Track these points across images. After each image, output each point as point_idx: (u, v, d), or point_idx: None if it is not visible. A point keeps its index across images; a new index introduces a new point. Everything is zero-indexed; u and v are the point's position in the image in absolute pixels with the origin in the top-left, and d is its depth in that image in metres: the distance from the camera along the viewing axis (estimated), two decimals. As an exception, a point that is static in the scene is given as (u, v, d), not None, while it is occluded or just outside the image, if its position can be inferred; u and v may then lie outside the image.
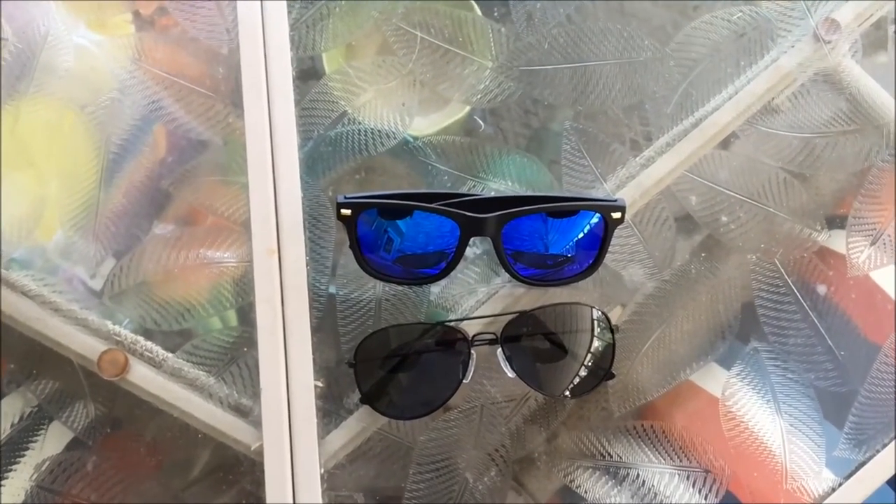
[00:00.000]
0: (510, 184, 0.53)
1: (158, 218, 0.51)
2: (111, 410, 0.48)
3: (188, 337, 0.48)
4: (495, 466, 0.47)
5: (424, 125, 0.54)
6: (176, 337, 0.49)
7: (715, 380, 0.49)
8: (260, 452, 0.45)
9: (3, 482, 0.46)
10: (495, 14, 0.56)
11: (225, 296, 0.49)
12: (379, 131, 0.52)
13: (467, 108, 0.55)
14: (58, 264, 0.50)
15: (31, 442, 0.47)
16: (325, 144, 0.52)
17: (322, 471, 0.45)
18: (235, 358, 0.48)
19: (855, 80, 0.54)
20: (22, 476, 0.46)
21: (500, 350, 0.45)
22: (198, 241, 0.50)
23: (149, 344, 0.48)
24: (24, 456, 0.47)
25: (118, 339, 0.47)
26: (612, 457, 0.48)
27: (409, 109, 0.53)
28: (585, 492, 0.47)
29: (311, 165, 0.51)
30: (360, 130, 0.52)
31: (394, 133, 0.53)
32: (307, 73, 0.54)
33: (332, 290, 0.49)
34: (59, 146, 0.51)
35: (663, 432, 0.48)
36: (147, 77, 0.52)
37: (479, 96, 0.54)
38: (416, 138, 0.53)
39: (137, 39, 0.54)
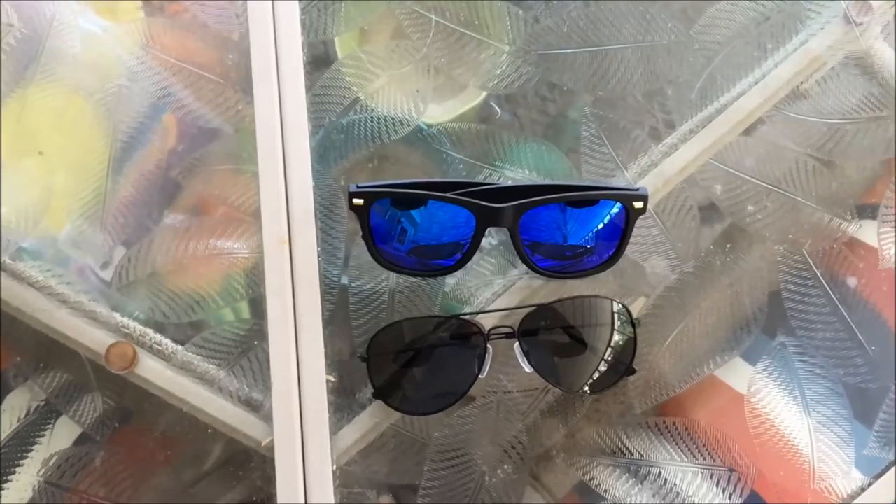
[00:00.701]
0: (527, 172, 0.51)
1: (169, 207, 0.50)
2: (119, 404, 0.47)
3: (199, 329, 0.48)
4: (512, 463, 0.46)
5: (439, 112, 0.53)
6: (188, 329, 0.48)
7: (740, 375, 0.48)
8: (271, 448, 0.44)
9: (10, 478, 0.45)
10: (512, -4, 0.54)
11: (236, 287, 0.48)
12: (392, 118, 0.51)
13: (483, 94, 0.53)
14: (69, 254, 0.49)
15: (39, 437, 0.46)
16: (337, 132, 0.51)
17: (334, 467, 0.44)
18: (246, 351, 0.47)
19: (887, 64, 0.52)
20: (29, 471, 0.45)
21: (517, 344, 0.44)
22: (209, 231, 0.49)
23: (158, 336, 0.47)
24: (31, 451, 0.46)
25: (127, 331, 0.47)
26: (632, 454, 0.47)
27: (423, 96, 0.52)
28: (605, 490, 0.46)
29: (323, 154, 0.50)
30: (372, 118, 0.51)
31: (408, 120, 0.51)
32: (318, 59, 0.52)
33: (344, 280, 0.48)
34: (67, 134, 0.50)
35: (686, 429, 0.47)
36: (157, 63, 0.52)
37: (495, 82, 0.53)
38: (430, 126, 0.52)
39: (147, 25, 0.53)
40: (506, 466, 0.46)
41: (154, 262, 0.48)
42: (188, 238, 0.49)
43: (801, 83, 0.52)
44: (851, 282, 0.49)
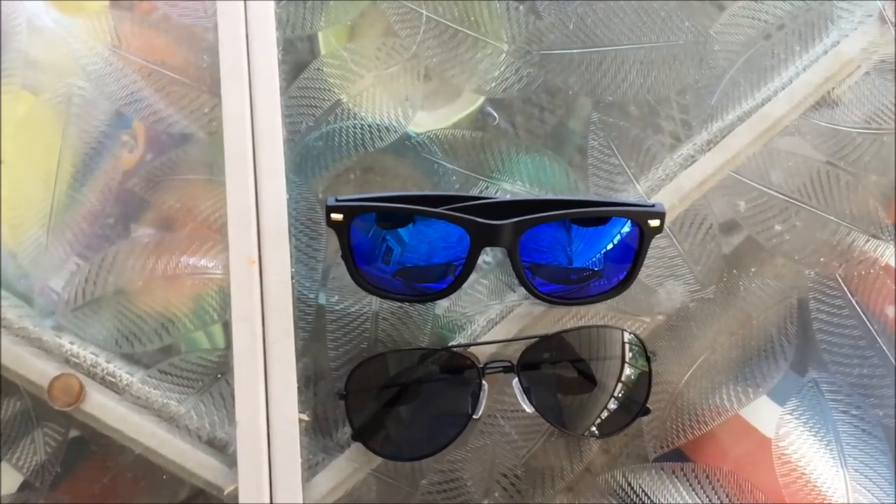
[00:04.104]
0: (527, 186, 0.48)
1: (136, 221, 0.48)
2: (63, 446, 0.43)
3: (159, 358, 0.44)
4: (509, 513, 0.43)
5: (431, 121, 0.50)
6: (147, 357, 0.44)
7: (767, 416, 0.44)
8: (235, 496, 0.41)
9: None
10: (512, -11, 0.52)
11: (207, 310, 0.45)
12: (378, 124, 0.49)
13: (479, 102, 0.50)
14: (15, 272, 0.46)
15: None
16: (316, 138, 0.48)
17: (307, 519, 0.41)
18: (209, 384, 0.43)
19: (926, 69, 0.50)
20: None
21: (516, 380, 0.41)
22: (180, 246, 0.46)
23: (110, 367, 0.44)
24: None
25: (76, 361, 0.43)
26: (646, 504, 0.43)
27: (412, 102, 0.49)
28: (616, 545, 0.43)
29: (300, 163, 0.48)
30: (356, 123, 0.49)
31: (395, 126, 0.49)
32: (296, 57, 0.50)
33: (321, 300, 0.45)
34: (25, 142, 0.48)
35: (707, 476, 0.43)
36: (125, 65, 0.49)
37: (492, 84, 0.50)
38: (420, 133, 0.49)
39: (115, 24, 0.50)
40: (502, 516, 0.43)
41: (118, 280, 0.45)
42: (156, 254, 0.46)
43: (832, 89, 0.49)
44: (891, 311, 0.46)
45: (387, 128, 0.48)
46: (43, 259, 0.45)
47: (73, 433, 0.43)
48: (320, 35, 0.50)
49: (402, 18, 0.50)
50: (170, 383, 0.43)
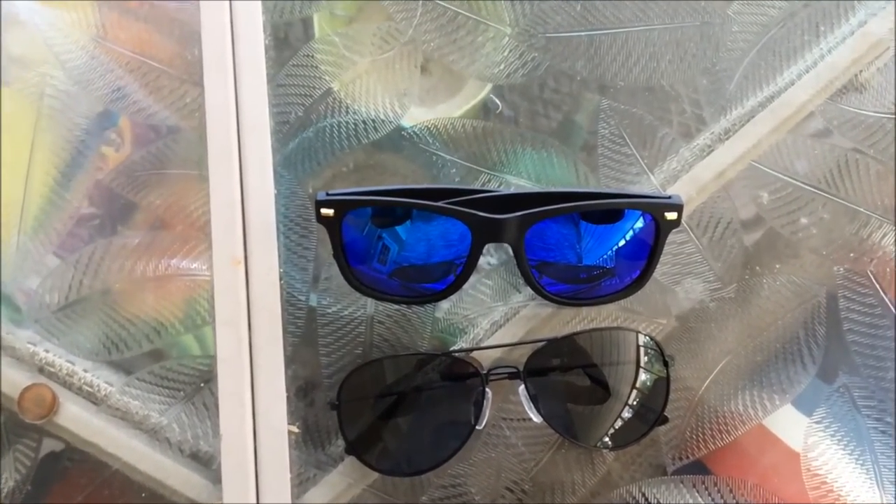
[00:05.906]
0: (533, 178, 0.47)
1: (122, 222, 0.46)
2: (36, 462, 0.41)
3: (153, 360, 0.43)
4: (516, 530, 0.41)
5: (430, 118, 0.48)
6: (141, 360, 0.43)
7: (793, 427, 0.42)
8: None
9: None
10: (514, -31, 0.50)
11: (188, 316, 0.43)
12: (373, 114, 0.47)
13: (482, 94, 0.48)
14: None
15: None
16: (307, 130, 0.47)
17: (297, 541, 0.39)
18: (191, 394, 0.42)
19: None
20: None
21: (522, 387, 0.40)
22: (166, 247, 0.45)
23: (88, 376, 0.42)
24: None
25: (51, 369, 0.42)
26: (663, 520, 0.41)
27: (410, 96, 0.47)
28: (633, 566, 0.41)
29: (289, 156, 0.46)
30: (349, 113, 0.47)
31: (390, 116, 0.47)
32: (283, 43, 0.48)
33: (312, 302, 0.44)
34: (9, 139, 0.46)
35: (730, 490, 0.41)
36: (110, 58, 0.48)
37: (495, 71, 0.48)
38: (416, 123, 0.48)
39: (100, 15, 0.49)
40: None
41: (94, 283, 0.44)
42: (138, 254, 0.45)
43: (860, 72, 0.48)
44: (927, 309, 0.44)
45: (382, 119, 0.47)
46: (17, 261, 0.44)
47: (46, 448, 0.41)
48: (315, 17, 0.49)
49: (397, 1, 0.48)
50: (151, 393, 0.42)
